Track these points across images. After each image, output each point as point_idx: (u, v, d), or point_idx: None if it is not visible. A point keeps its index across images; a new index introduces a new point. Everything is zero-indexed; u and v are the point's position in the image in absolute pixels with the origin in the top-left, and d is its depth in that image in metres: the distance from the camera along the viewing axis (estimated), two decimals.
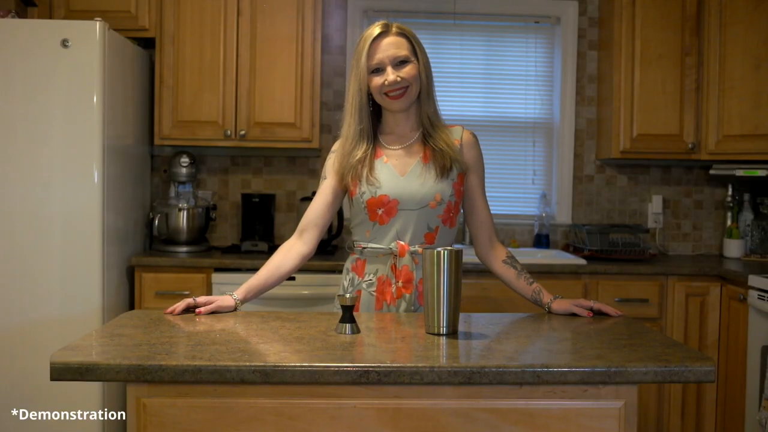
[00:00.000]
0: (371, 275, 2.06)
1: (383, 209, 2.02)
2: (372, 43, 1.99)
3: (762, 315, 2.92)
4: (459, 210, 2.09)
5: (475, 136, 2.15)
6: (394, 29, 2.01)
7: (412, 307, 2.03)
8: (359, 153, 2.03)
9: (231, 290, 3.14)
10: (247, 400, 1.43)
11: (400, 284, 2.02)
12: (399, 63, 1.99)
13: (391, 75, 1.97)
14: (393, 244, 2.02)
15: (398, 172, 2.04)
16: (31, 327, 2.92)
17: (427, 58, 2.06)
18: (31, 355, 2.90)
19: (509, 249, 2.15)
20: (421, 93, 2.05)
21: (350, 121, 2.05)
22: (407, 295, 2.02)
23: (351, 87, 2.05)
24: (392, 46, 1.99)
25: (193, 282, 3.20)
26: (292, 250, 2.07)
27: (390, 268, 2.03)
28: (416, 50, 2.02)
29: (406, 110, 2.06)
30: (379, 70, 1.99)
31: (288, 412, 1.44)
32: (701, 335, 3.30)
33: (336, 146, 2.13)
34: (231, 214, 3.84)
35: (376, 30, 2.00)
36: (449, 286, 1.66)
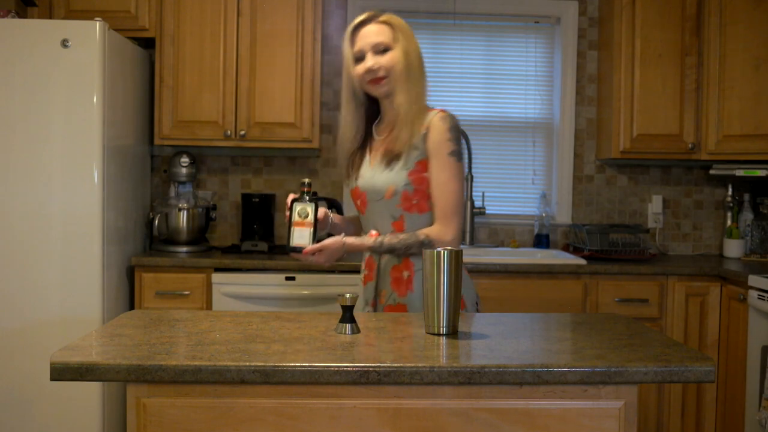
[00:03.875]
0: (362, 262, 2.17)
1: (359, 200, 2.11)
2: (354, 31, 2.03)
3: (762, 315, 2.92)
4: (426, 195, 2.03)
5: (442, 120, 2.01)
6: (379, 18, 2.03)
7: (372, 295, 2.10)
8: (352, 145, 2.11)
9: (231, 291, 3.17)
10: (247, 400, 1.43)
11: (366, 272, 2.12)
12: (380, 51, 2.00)
13: (369, 61, 2.00)
14: (370, 232, 2.10)
15: (370, 164, 2.09)
16: (31, 327, 2.92)
17: (413, 47, 2.04)
18: (31, 355, 2.90)
19: (447, 238, 2.01)
20: (398, 81, 2.02)
21: (344, 111, 2.11)
22: (370, 283, 2.10)
23: (343, 77, 2.09)
24: (372, 33, 2.01)
25: (193, 282, 3.20)
26: None
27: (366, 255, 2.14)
28: (399, 38, 2.02)
29: (389, 96, 2.06)
30: (360, 58, 2.03)
31: (288, 412, 1.44)
32: (701, 335, 3.30)
33: None
34: (231, 214, 3.84)
35: (358, 18, 2.04)
36: (449, 286, 1.66)
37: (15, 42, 2.91)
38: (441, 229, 2.00)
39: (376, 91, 2.04)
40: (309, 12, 3.46)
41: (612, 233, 3.57)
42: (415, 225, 2.04)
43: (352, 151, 2.12)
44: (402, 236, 2.00)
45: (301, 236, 1.95)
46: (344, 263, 3.06)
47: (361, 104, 2.09)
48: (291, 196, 2.01)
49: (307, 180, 2.00)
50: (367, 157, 2.10)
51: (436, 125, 2.00)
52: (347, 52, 2.03)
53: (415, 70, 2.03)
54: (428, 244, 1.99)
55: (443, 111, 2.04)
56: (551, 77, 3.97)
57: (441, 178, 1.99)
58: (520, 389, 1.45)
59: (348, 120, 2.09)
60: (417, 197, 2.02)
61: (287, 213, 2.01)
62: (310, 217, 1.96)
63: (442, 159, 1.99)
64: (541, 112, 3.97)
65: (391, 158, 2.02)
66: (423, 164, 2.01)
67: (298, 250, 1.97)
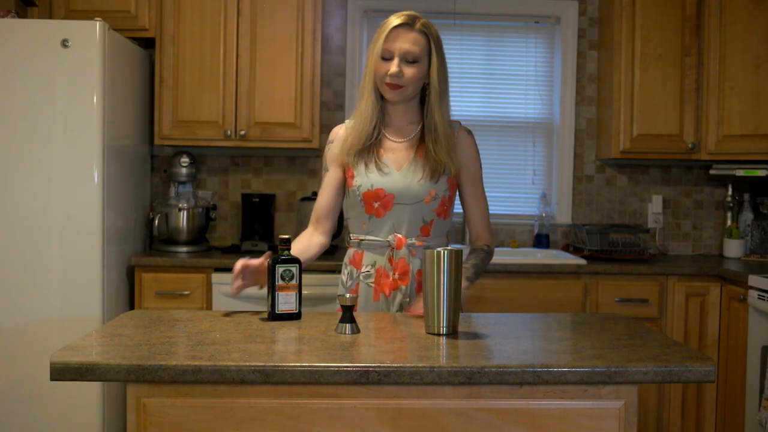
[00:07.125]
0: (369, 267, 2.08)
1: (379, 203, 2.05)
2: (393, 30, 1.99)
3: (762, 315, 2.92)
4: (453, 202, 2.13)
5: (470, 133, 2.16)
6: (418, 25, 2.00)
7: (407, 299, 2.05)
8: (369, 131, 2.06)
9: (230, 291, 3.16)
10: (247, 400, 1.43)
11: (396, 276, 2.05)
12: (408, 60, 1.99)
13: (394, 67, 1.98)
14: (390, 236, 2.05)
15: (394, 166, 2.06)
16: (31, 327, 2.92)
17: (443, 63, 2.05)
18: (31, 355, 2.90)
19: (495, 247, 2.18)
20: (431, 96, 2.04)
21: (364, 104, 2.07)
22: (403, 287, 2.04)
23: (366, 67, 2.06)
24: (408, 40, 1.99)
25: (193, 282, 3.20)
26: (313, 238, 2.11)
27: (387, 260, 2.06)
28: (432, 52, 2.02)
29: (400, 104, 2.06)
30: (387, 58, 2.00)
31: (288, 412, 1.44)
32: (701, 335, 3.30)
33: (333, 135, 2.19)
34: (231, 214, 3.84)
35: (399, 19, 2.00)
36: (449, 286, 1.66)
37: (15, 42, 2.91)
38: (488, 236, 2.16)
39: (389, 95, 2.03)
40: (309, 12, 3.46)
41: (612, 233, 3.57)
42: (439, 229, 2.09)
43: (363, 145, 2.07)
44: (472, 258, 2.07)
45: (287, 301, 1.82)
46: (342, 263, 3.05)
47: (378, 99, 2.06)
48: (266, 256, 1.85)
49: (287, 236, 1.84)
50: (385, 158, 2.07)
51: (466, 137, 2.14)
52: (377, 46, 2.00)
53: (445, 86, 2.06)
54: (490, 253, 2.12)
55: (461, 123, 2.15)
56: (551, 77, 3.97)
57: (478, 189, 2.15)
58: (520, 389, 1.45)
59: (368, 112, 2.06)
60: (449, 203, 2.10)
61: (267, 274, 1.84)
62: (295, 279, 1.82)
63: (475, 171, 2.14)
64: (541, 112, 3.97)
65: (434, 170, 2.04)
66: (456, 172, 2.09)
67: (285, 316, 1.82)
